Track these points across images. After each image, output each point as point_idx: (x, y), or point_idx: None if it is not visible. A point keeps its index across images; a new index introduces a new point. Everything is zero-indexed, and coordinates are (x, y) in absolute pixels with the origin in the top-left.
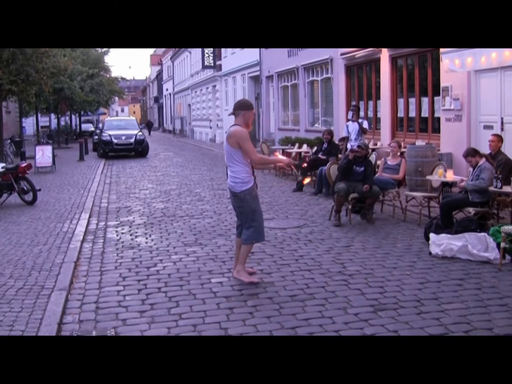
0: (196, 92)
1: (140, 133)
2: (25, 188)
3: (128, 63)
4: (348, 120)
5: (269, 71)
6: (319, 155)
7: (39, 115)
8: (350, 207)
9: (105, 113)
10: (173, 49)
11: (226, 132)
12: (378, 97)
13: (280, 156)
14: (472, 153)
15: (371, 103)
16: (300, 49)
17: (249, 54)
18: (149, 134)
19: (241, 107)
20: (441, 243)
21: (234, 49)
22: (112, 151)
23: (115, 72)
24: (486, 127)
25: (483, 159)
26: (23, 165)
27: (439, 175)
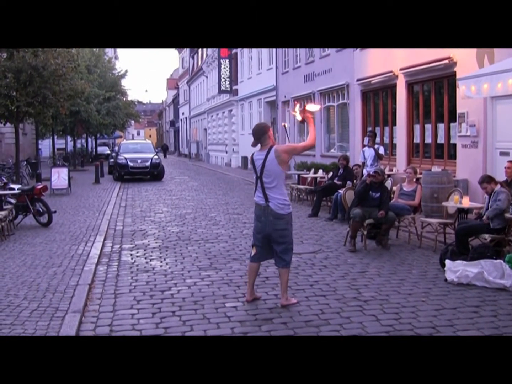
0: (212, 116)
1: (156, 157)
2: (41, 210)
3: (144, 86)
4: (364, 146)
5: (285, 96)
6: (335, 181)
7: (55, 137)
8: (365, 232)
9: (121, 136)
10: (190, 73)
11: (266, 157)
12: (394, 123)
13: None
14: (487, 180)
15: (387, 129)
16: (317, 74)
17: (266, 79)
18: (165, 156)
19: (263, 131)
20: (457, 269)
21: (250, 73)
22: (128, 174)
23: (131, 96)
24: (502, 153)
25: (498, 186)
26: (39, 187)
27: (455, 202)
